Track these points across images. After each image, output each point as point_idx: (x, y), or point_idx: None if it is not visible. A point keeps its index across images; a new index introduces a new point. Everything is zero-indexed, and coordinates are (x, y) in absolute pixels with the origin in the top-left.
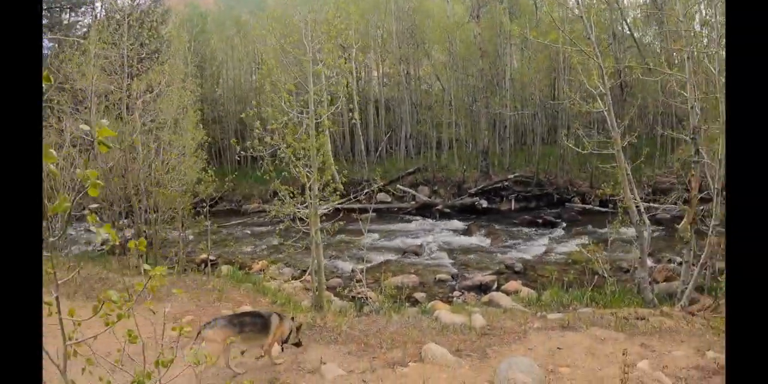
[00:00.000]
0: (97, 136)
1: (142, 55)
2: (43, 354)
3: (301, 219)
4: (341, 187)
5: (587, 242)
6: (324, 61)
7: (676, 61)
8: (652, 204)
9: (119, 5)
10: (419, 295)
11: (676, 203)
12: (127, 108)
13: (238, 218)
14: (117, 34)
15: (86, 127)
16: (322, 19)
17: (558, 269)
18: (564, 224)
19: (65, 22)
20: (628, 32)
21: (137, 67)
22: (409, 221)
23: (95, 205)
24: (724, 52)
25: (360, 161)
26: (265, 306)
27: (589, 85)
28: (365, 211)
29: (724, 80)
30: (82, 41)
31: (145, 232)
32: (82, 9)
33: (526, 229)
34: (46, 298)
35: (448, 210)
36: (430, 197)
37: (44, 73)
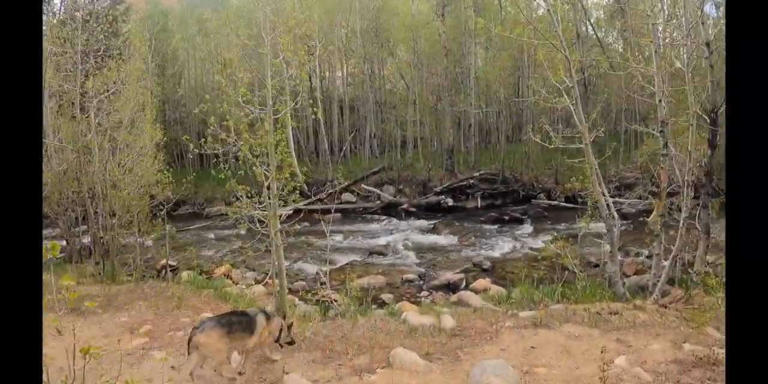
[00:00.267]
0: None
1: (99, 53)
2: None
3: (260, 221)
4: (302, 184)
5: (556, 238)
6: (283, 54)
7: (642, 57)
8: (617, 199)
9: (79, 3)
10: (386, 296)
11: (641, 197)
12: (82, 108)
13: (201, 222)
14: (71, 31)
15: None
16: (282, 9)
17: (527, 266)
18: (530, 220)
19: None
20: (591, 32)
21: (93, 64)
22: (375, 221)
23: None
24: (690, 45)
25: (324, 161)
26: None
27: (555, 80)
28: (330, 211)
29: (692, 74)
30: None
31: (101, 238)
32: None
33: (492, 227)
34: None
35: (413, 209)
36: (395, 196)
37: None
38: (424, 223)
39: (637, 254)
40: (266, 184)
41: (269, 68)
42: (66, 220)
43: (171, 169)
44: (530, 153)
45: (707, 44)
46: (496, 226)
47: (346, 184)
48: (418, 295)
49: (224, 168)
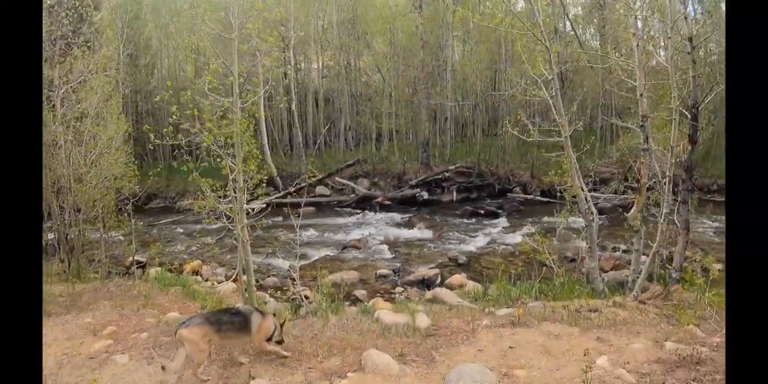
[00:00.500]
0: None
1: (66, 41)
2: None
3: (227, 215)
4: (276, 177)
5: (531, 232)
6: (253, 41)
7: (618, 54)
8: (593, 193)
9: None
10: (359, 293)
11: (616, 192)
12: (47, 98)
13: (173, 216)
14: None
15: None
16: None
17: (503, 261)
18: (506, 214)
19: None
20: (569, 28)
21: (58, 52)
22: (349, 214)
23: None
24: (674, 39)
25: (298, 154)
26: (194, 312)
27: (533, 72)
28: (303, 205)
29: (673, 68)
30: None
31: (66, 234)
32: None
33: (468, 220)
34: None
35: (388, 202)
36: (369, 189)
37: None
38: (398, 216)
39: (614, 249)
40: (231, 176)
41: (236, 54)
42: None
43: (143, 162)
44: (506, 147)
45: (690, 39)
46: (471, 220)
47: (321, 176)
48: (392, 291)
49: (187, 160)
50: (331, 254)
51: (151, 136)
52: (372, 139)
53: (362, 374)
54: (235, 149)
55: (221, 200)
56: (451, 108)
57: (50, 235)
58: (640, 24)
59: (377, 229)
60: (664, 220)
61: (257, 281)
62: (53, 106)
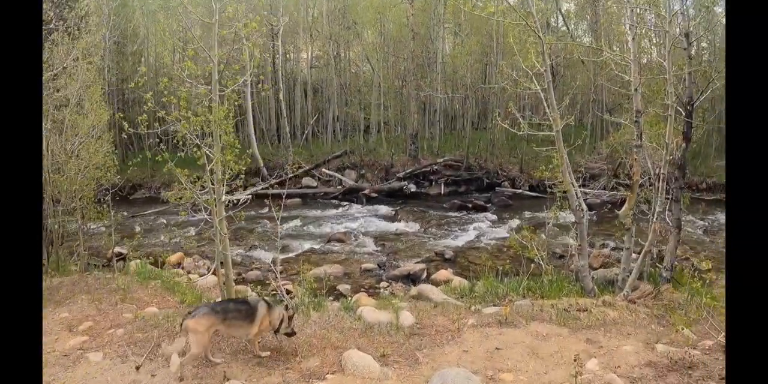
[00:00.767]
0: None
1: (49, 27)
2: None
3: (206, 207)
4: (263, 167)
5: (519, 227)
6: (235, 26)
7: (611, 49)
8: (582, 189)
9: None
10: (343, 288)
11: (605, 188)
12: None
13: (158, 206)
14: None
15: None
16: None
17: (491, 256)
18: (494, 209)
19: None
20: (561, 23)
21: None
22: (335, 206)
23: None
24: (671, 33)
25: (285, 145)
26: (173, 306)
27: (525, 65)
28: (289, 196)
29: (667, 64)
30: None
31: (45, 226)
32: None
33: (455, 214)
34: None
35: (375, 194)
36: (357, 181)
37: None
38: (385, 209)
39: (603, 245)
40: (209, 167)
41: (215, 39)
42: None
43: (128, 152)
44: (495, 140)
45: (686, 35)
46: (459, 214)
47: (307, 168)
48: (377, 285)
49: (162, 150)
50: (316, 247)
51: (125, 124)
52: (360, 130)
53: (342, 376)
54: (213, 138)
55: (198, 192)
56: (440, 100)
57: None
58: (635, 17)
59: (363, 222)
60: (657, 218)
61: (239, 274)
62: None
